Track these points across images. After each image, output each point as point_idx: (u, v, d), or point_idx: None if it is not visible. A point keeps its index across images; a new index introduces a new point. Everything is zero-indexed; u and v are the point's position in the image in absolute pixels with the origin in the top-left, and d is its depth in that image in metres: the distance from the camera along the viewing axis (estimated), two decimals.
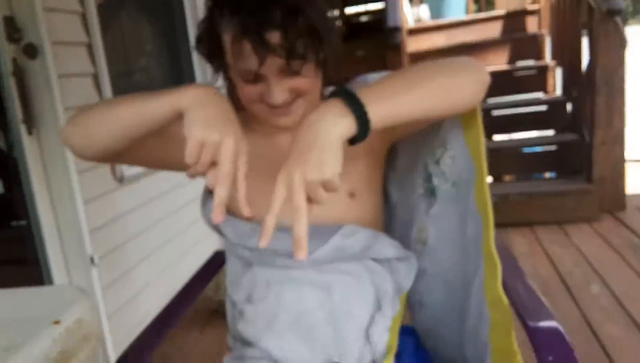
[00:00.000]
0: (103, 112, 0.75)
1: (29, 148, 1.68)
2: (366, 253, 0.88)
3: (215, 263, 1.17)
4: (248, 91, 0.81)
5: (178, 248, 2.40)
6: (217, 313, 2.26)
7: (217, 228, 0.95)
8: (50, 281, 1.74)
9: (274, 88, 0.78)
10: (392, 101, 0.70)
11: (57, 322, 0.50)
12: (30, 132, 1.67)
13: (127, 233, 2.04)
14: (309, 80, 0.81)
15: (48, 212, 1.74)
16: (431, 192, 0.93)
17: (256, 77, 0.78)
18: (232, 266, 0.98)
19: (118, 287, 1.97)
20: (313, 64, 0.80)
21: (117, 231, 1.98)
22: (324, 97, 0.91)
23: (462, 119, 0.86)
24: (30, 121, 1.66)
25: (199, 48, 0.85)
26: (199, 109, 0.67)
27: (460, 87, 0.76)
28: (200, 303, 2.45)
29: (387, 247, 0.90)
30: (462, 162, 0.87)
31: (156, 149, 0.86)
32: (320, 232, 0.85)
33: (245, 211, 0.66)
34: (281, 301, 0.87)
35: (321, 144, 0.64)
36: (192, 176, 0.68)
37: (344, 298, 0.87)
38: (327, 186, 0.64)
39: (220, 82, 0.87)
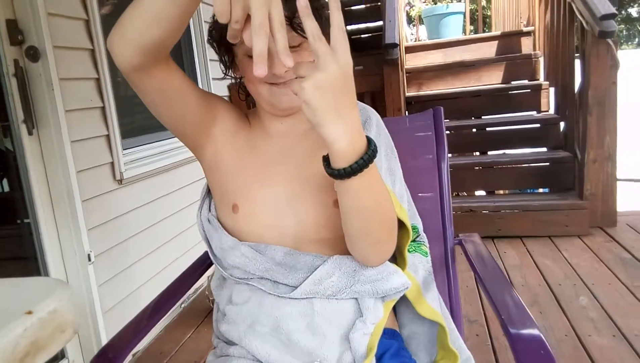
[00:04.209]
0: (134, 3, 0.69)
1: (29, 148, 1.64)
2: (342, 294, 0.83)
3: (204, 262, 1.13)
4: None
5: (176, 249, 2.35)
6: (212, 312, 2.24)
7: (206, 238, 0.95)
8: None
9: (275, 59, 0.79)
10: (370, 183, 0.71)
11: (29, 312, 0.45)
12: (30, 133, 1.63)
13: (126, 233, 2.00)
14: (307, 58, 0.82)
15: (47, 210, 1.70)
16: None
17: None
18: (217, 272, 0.97)
19: (115, 284, 1.92)
20: None
21: (115, 230, 1.94)
22: None
23: None
24: (30, 121, 1.63)
25: (211, 36, 0.88)
26: None
27: (385, 244, 0.80)
28: (199, 301, 2.42)
29: (365, 285, 0.84)
30: None
31: (181, 89, 0.82)
32: (298, 266, 0.84)
33: (287, 61, 0.61)
34: (262, 305, 0.85)
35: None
36: (232, 37, 0.63)
37: (325, 307, 0.83)
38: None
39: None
